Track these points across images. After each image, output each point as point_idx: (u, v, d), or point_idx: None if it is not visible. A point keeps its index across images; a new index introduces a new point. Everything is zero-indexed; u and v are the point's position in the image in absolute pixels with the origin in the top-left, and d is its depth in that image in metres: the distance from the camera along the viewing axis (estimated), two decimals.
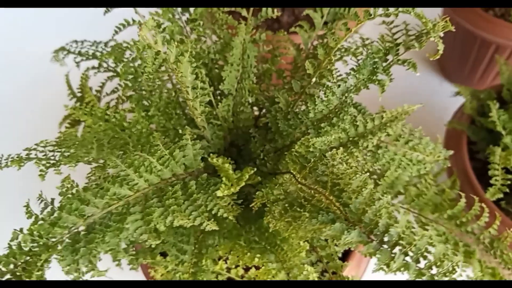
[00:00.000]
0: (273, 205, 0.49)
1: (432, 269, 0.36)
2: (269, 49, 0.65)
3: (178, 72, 0.48)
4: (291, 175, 0.49)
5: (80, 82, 0.63)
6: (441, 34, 0.49)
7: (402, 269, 0.36)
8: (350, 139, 0.54)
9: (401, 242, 0.37)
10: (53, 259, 0.41)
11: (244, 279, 0.62)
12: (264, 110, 0.66)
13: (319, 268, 0.56)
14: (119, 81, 0.58)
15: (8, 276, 0.39)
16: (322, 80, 0.52)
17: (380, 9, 0.48)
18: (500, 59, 0.79)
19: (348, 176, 0.42)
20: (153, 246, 0.48)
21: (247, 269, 0.61)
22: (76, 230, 0.43)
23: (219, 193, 0.46)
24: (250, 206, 0.51)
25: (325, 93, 0.51)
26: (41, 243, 0.41)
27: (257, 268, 0.58)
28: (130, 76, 0.60)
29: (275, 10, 0.62)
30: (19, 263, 0.41)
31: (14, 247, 0.40)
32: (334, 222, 0.40)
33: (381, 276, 0.39)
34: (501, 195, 0.64)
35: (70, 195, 0.42)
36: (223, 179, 0.49)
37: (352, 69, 0.52)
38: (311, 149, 0.48)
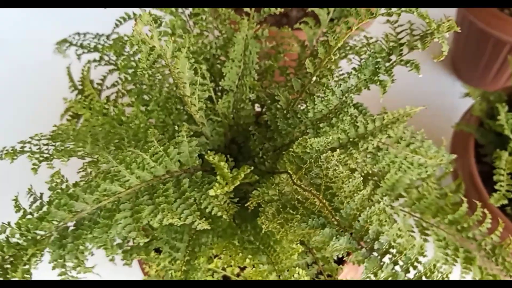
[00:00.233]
0: (267, 205, 0.48)
1: (421, 279, 0.35)
2: (272, 45, 0.64)
3: (174, 68, 0.47)
4: (288, 175, 0.48)
5: (81, 74, 0.63)
6: (447, 35, 0.48)
7: (390, 278, 0.35)
8: (350, 140, 0.53)
9: (391, 250, 0.36)
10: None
11: (240, 277, 0.61)
12: (265, 108, 0.65)
13: (314, 270, 0.55)
14: (119, 75, 0.58)
15: None
16: (322, 80, 0.51)
17: (383, 8, 0.47)
18: None
19: (341, 180, 0.41)
20: (141, 244, 0.48)
21: (243, 268, 0.60)
22: (64, 226, 0.42)
23: (211, 192, 0.46)
24: (245, 205, 0.50)
25: (324, 93, 0.50)
26: (29, 237, 0.41)
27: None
28: (130, 70, 0.59)
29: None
30: (7, 257, 0.40)
31: (2, 241, 0.40)
32: (324, 227, 0.39)
33: None
34: (505, 201, 0.63)
35: (59, 190, 0.42)
36: (218, 177, 0.49)
37: (354, 68, 0.51)
38: (307, 150, 0.47)
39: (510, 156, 0.64)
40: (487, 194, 0.67)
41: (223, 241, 0.53)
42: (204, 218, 0.49)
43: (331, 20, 0.64)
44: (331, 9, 0.62)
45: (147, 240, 0.43)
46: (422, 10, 0.46)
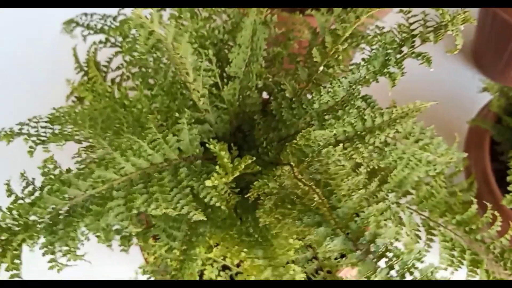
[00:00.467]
0: (266, 198, 0.47)
1: None
2: (282, 31, 0.62)
3: (175, 53, 0.46)
4: (290, 168, 0.46)
5: (86, 56, 0.62)
6: (462, 28, 0.46)
7: None
8: (358, 133, 0.51)
9: (388, 254, 0.35)
10: None
11: (240, 268, 0.60)
12: (272, 96, 0.63)
13: (314, 266, 0.54)
14: (122, 58, 0.57)
15: None
16: (329, 70, 0.49)
17: None
18: None
19: (340, 178, 0.39)
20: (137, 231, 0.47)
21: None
22: (57, 212, 0.42)
23: (208, 183, 0.44)
24: (246, 196, 0.49)
25: (331, 84, 0.48)
26: (21, 222, 0.40)
27: None
28: (135, 53, 0.58)
29: None
30: None
31: None
32: (319, 225, 0.38)
33: None
34: None
35: (52, 176, 0.41)
36: (216, 167, 0.47)
37: (363, 59, 0.49)
38: (310, 143, 0.46)
39: None
40: (501, 194, 0.64)
41: (221, 232, 0.51)
42: (202, 208, 0.48)
43: (345, 7, 0.61)
44: None
45: (139, 229, 0.42)
46: None
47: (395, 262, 0.34)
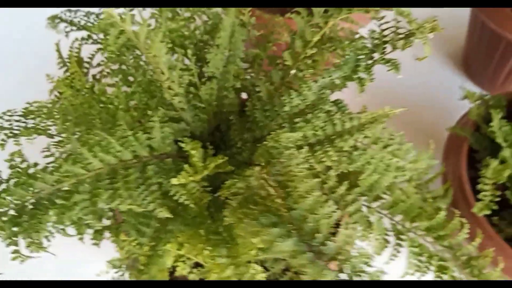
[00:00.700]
0: (233, 197, 0.48)
1: None
2: (261, 33, 0.62)
3: (148, 52, 0.47)
4: (260, 169, 0.47)
5: (68, 51, 0.62)
6: (431, 36, 0.46)
7: None
8: (328, 137, 0.52)
9: (339, 257, 0.35)
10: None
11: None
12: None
13: (281, 266, 0.54)
14: (101, 55, 0.57)
15: None
16: (299, 74, 0.50)
17: None
18: None
19: (299, 180, 0.40)
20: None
21: None
22: (22, 204, 0.42)
23: (174, 181, 0.45)
24: (216, 195, 0.50)
25: (301, 87, 0.49)
26: None
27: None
28: (107, 51, 0.58)
29: None
30: None
31: None
32: (275, 226, 0.38)
33: None
34: (488, 212, 0.60)
35: (19, 169, 0.42)
36: (185, 166, 0.48)
37: (333, 64, 0.49)
38: (277, 145, 0.46)
39: (500, 165, 0.62)
40: (475, 201, 0.65)
41: (189, 230, 0.52)
42: (172, 206, 0.49)
43: (326, 11, 0.62)
44: None
45: (102, 225, 0.42)
46: (404, 9, 0.44)
47: (345, 265, 0.35)
